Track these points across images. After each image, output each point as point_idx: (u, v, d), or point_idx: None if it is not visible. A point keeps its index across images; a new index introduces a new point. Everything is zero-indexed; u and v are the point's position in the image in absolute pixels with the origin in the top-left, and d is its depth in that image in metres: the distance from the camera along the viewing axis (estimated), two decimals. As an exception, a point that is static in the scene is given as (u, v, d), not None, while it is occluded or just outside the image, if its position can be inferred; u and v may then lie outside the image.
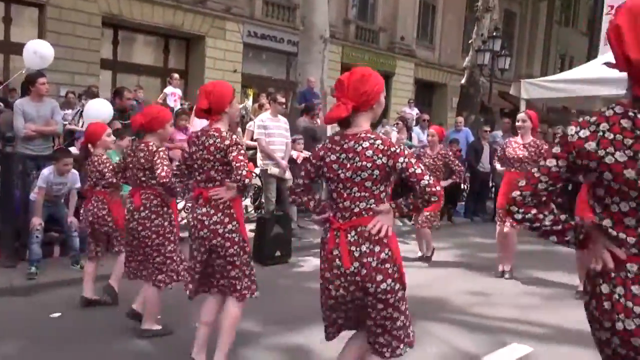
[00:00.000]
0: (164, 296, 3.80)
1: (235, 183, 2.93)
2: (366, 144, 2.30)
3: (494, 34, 16.19)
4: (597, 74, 8.62)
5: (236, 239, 3.03)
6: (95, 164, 4.25)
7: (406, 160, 2.27)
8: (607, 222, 1.61)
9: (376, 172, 2.28)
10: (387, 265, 2.29)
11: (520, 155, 5.57)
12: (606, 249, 1.59)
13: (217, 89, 3.06)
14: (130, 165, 3.70)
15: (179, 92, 11.94)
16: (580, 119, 1.67)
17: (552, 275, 5.96)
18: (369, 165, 2.28)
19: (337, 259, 2.33)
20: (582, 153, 1.60)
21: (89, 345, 3.65)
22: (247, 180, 2.91)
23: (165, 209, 3.67)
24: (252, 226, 6.12)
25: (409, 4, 22.19)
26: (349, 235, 2.32)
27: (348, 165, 2.32)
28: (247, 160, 2.98)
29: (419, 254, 6.58)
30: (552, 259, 6.46)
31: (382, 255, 2.29)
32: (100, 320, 4.07)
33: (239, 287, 3.08)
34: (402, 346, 2.42)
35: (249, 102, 18.02)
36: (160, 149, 3.56)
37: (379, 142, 2.30)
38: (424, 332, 4.15)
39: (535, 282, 5.78)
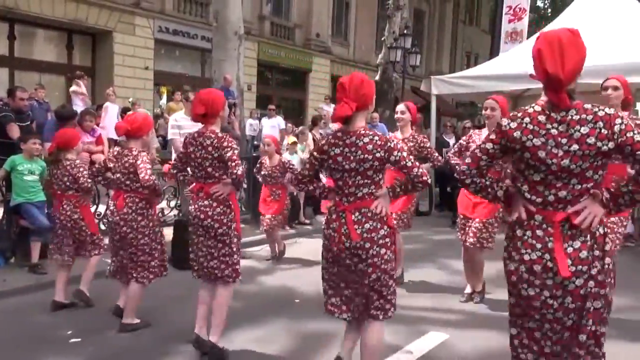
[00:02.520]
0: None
1: (231, 179, 3.34)
2: (366, 140, 2.73)
3: (405, 31, 16.73)
4: (499, 71, 9.17)
5: (233, 227, 3.48)
6: (68, 168, 4.33)
7: (399, 154, 2.71)
8: (524, 187, 2.19)
9: (376, 163, 2.72)
10: (387, 240, 2.78)
11: None
12: (522, 205, 2.18)
13: (211, 96, 3.44)
14: (114, 171, 3.90)
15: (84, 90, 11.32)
16: (511, 114, 2.23)
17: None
18: (370, 157, 2.70)
19: (343, 236, 2.77)
20: (511, 138, 2.15)
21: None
22: (242, 178, 3.38)
23: (150, 210, 3.94)
24: (171, 230, 5.90)
25: (323, 0, 22.41)
26: (353, 215, 2.75)
27: (352, 158, 2.73)
28: (239, 160, 3.35)
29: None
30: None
31: (382, 232, 2.76)
32: (25, 329, 3.80)
33: (226, 272, 3.47)
34: (392, 309, 2.86)
35: (162, 101, 17.46)
36: (142, 153, 3.82)
37: (376, 138, 2.74)
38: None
39: (451, 271, 5.99)
